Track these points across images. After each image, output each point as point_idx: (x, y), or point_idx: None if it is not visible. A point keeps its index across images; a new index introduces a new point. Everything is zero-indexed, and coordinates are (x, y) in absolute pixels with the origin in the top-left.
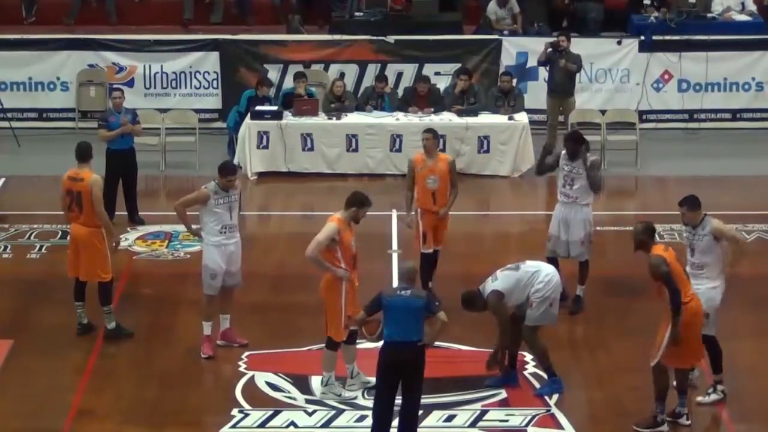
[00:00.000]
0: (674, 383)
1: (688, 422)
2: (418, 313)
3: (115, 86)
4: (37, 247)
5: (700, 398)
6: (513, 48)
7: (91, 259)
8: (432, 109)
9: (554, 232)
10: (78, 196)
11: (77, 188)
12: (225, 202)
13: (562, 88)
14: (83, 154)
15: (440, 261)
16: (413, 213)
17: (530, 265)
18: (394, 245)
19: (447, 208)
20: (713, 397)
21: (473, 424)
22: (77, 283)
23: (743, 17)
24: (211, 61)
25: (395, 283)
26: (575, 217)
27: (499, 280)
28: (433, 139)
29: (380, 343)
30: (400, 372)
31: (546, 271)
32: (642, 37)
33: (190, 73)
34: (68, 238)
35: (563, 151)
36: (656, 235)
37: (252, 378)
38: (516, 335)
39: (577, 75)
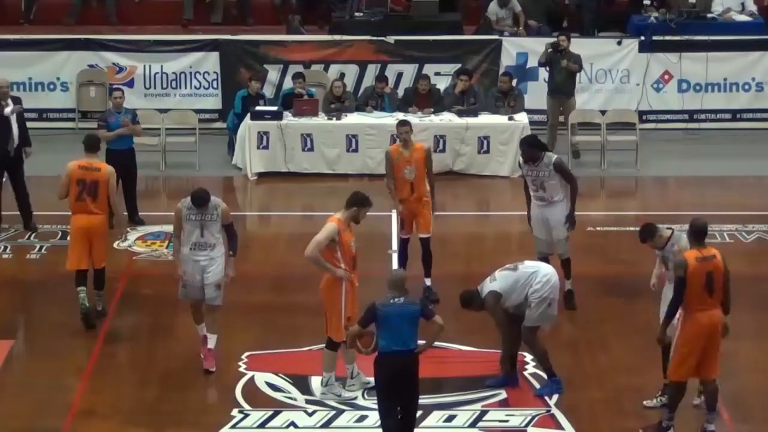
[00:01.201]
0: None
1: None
2: (413, 319)
3: (115, 86)
4: (37, 247)
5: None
6: (513, 48)
7: (101, 245)
8: (432, 109)
9: (538, 234)
10: (93, 186)
11: (92, 177)
12: (196, 219)
13: (562, 88)
14: (93, 145)
15: (440, 261)
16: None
17: (529, 266)
18: (394, 245)
19: (433, 197)
20: (697, 401)
21: (473, 425)
22: (79, 271)
23: (743, 17)
24: (211, 62)
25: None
26: (554, 216)
27: (497, 281)
28: (411, 131)
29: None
30: (399, 381)
31: (544, 271)
32: (642, 38)
33: (190, 73)
34: (74, 228)
35: (520, 158)
36: (701, 237)
37: (252, 378)
38: (515, 335)
39: (577, 75)
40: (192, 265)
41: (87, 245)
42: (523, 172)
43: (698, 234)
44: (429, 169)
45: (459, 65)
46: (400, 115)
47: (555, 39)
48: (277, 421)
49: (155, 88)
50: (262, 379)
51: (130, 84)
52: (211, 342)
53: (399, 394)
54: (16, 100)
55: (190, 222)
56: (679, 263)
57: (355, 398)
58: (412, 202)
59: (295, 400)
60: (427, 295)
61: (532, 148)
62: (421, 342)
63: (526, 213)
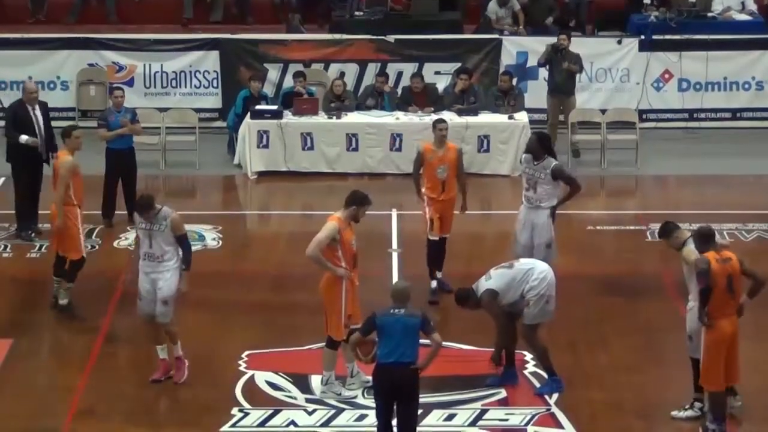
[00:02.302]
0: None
1: None
2: (413, 332)
3: (115, 85)
4: (37, 247)
5: (674, 413)
6: (513, 47)
7: (62, 234)
8: (432, 108)
9: (519, 237)
10: (54, 175)
11: (54, 167)
12: (145, 228)
13: (562, 87)
14: (61, 134)
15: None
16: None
17: (524, 263)
18: (394, 245)
19: (464, 197)
20: (689, 413)
21: (473, 423)
22: (57, 259)
23: (743, 17)
24: (211, 61)
25: (395, 279)
26: (539, 221)
27: (493, 279)
28: (447, 129)
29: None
30: (396, 393)
31: (540, 268)
32: (642, 37)
33: (190, 72)
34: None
35: (523, 155)
36: (707, 241)
37: (252, 377)
38: (512, 333)
39: (578, 74)
40: (143, 276)
41: (56, 232)
42: (522, 167)
43: (703, 239)
44: (461, 170)
45: (459, 64)
46: (400, 114)
47: (555, 39)
48: (277, 420)
49: (155, 87)
50: (262, 377)
51: (130, 83)
52: (166, 352)
53: (394, 402)
54: (43, 105)
55: (140, 230)
56: (701, 258)
57: (355, 397)
58: (441, 203)
59: (295, 398)
60: (440, 287)
61: (538, 145)
62: (423, 344)
63: None
